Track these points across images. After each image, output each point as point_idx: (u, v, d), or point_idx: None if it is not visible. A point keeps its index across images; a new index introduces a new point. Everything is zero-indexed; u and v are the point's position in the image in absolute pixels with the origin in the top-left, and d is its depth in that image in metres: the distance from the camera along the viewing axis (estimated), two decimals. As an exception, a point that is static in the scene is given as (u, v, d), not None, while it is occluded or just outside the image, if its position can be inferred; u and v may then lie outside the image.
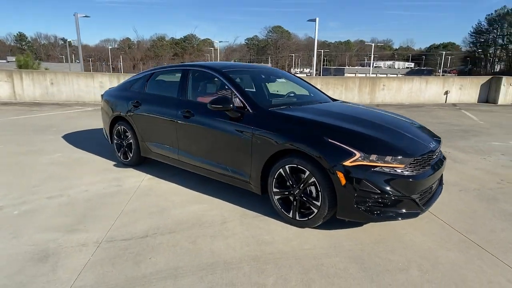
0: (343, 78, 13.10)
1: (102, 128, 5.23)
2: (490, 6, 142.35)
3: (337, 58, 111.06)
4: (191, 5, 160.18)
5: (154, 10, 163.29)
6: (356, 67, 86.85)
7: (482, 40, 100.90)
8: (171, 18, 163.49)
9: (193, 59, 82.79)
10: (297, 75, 5.41)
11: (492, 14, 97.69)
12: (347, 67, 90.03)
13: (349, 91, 12.63)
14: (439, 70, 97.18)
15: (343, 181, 2.54)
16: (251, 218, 3.07)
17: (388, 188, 2.52)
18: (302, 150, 2.72)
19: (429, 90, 12.99)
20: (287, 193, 2.92)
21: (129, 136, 4.41)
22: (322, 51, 72.94)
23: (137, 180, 4.06)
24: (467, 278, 2.22)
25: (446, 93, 13.01)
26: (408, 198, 2.59)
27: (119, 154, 4.65)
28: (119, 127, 4.54)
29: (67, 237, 2.70)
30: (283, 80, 4.51)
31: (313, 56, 20.14)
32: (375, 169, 2.53)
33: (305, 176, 2.75)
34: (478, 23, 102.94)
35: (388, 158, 2.56)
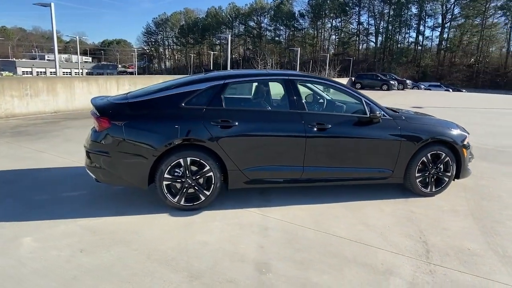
0: (149, 78, 12.55)
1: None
2: (145, 9, 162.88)
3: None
4: None
5: None
6: (29, 60, 74.52)
7: (153, 40, 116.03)
8: None
9: None
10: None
11: (157, 18, 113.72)
12: (17, 60, 75.41)
13: (154, 91, 12.39)
14: (119, 65, 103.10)
15: (465, 154, 3.96)
16: (411, 203, 3.80)
17: (471, 152, 4.21)
18: (443, 139, 3.84)
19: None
20: (426, 174, 3.91)
21: (206, 168, 3.31)
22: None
23: (266, 219, 3.32)
24: None
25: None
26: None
27: (175, 200, 3.31)
28: (180, 160, 3.24)
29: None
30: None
31: (54, 48, 16.84)
32: (468, 142, 4.12)
33: (442, 157, 3.89)
34: (147, 25, 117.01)
35: (466, 134, 4.21)
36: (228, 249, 2.70)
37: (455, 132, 3.97)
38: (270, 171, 3.50)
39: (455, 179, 4.05)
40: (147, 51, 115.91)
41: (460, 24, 59.32)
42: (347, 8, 68.37)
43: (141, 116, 3.24)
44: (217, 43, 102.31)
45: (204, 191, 3.36)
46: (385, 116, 3.72)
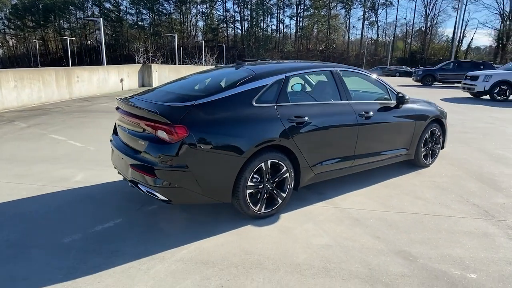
0: (39, 71, 10.02)
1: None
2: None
3: None
4: None
5: None
6: None
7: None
8: None
9: None
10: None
11: None
12: None
13: (47, 86, 10.17)
14: None
15: (447, 127, 4.83)
16: (423, 174, 4.41)
17: (444, 126, 5.14)
18: (438, 117, 4.57)
19: (111, 79, 13.29)
20: (427, 148, 4.59)
21: (284, 169, 3.13)
22: None
23: (344, 211, 3.35)
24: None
25: (122, 80, 13.95)
26: None
27: (256, 208, 3.04)
28: (261, 164, 2.97)
29: None
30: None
31: None
32: None
33: (436, 132, 4.64)
34: None
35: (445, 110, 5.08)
36: (355, 246, 2.68)
37: (441, 109, 4.76)
38: (332, 163, 3.53)
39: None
40: None
41: (311, 14, 67.58)
42: (212, -6, 68.93)
43: (219, 119, 2.79)
44: (65, 27, 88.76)
45: (281, 193, 3.16)
46: (406, 101, 4.17)
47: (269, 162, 2.99)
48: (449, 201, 3.58)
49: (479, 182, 4.16)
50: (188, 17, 76.26)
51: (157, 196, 2.71)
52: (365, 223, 3.07)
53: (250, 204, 2.96)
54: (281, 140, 3.02)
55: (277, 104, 3.11)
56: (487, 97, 13.07)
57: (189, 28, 76.09)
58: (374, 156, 3.95)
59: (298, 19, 68.93)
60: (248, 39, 67.98)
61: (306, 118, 3.20)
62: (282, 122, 3.04)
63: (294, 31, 70.26)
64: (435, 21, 61.82)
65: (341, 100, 3.61)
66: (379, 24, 66.42)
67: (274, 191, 3.11)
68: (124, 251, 2.56)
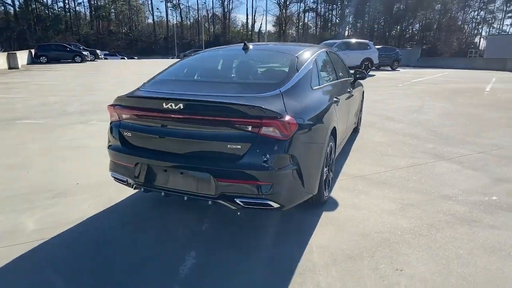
0: None
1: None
2: None
3: None
4: None
5: None
6: None
7: None
8: None
9: None
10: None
11: None
12: None
13: None
14: None
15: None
16: (366, 138, 5.26)
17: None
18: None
19: None
20: (359, 115, 5.49)
21: (332, 151, 3.19)
22: None
23: (371, 177, 3.68)
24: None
25: None
26: None
27: (326, 193, 3.04)
28: (328, 148, 2.95)
29: None
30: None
31: None
32: None
33: (363, 102, 5.58)
34: None
35: None
36: (414, 203, 3.11)
37: None
38: (342, 136, 3.77)
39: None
40: None
41: (107, -8, 61.35)
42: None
43: (304, 107, 2.54)
44: None
45: (331, 174, 3.22)
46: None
47: (330, 145, 2.98)
48: (410, 153, 4.52)
49: (403, 136, 5.38)
50: None
51: (269, 205, 2.28)
52: (392, 183, 3.54)
53: (324, 191, 2.90)
54: (336, 121, 3.05)
55: (321, 86, 3.08)
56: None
57: None
58: (350, 127, 4.44)
59: (91, -4, 61.33)
60: (28, 18, 55.46)
61: (339, 97, 3.31)
62: (333, 103, 3.05)
63: (89, 10, 62.32)
64: (230, 6, 68.26)
65: (338, 79, 3.86)
66: (181, 7, 67.53)
67: (329, 173, 3.13)
68: (253, 281, 2.07)
